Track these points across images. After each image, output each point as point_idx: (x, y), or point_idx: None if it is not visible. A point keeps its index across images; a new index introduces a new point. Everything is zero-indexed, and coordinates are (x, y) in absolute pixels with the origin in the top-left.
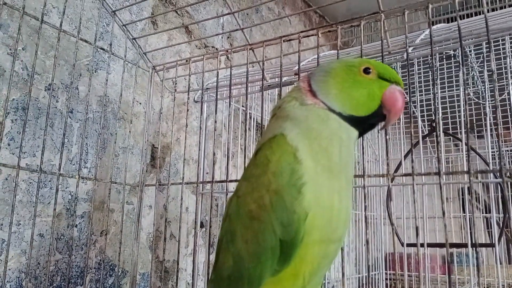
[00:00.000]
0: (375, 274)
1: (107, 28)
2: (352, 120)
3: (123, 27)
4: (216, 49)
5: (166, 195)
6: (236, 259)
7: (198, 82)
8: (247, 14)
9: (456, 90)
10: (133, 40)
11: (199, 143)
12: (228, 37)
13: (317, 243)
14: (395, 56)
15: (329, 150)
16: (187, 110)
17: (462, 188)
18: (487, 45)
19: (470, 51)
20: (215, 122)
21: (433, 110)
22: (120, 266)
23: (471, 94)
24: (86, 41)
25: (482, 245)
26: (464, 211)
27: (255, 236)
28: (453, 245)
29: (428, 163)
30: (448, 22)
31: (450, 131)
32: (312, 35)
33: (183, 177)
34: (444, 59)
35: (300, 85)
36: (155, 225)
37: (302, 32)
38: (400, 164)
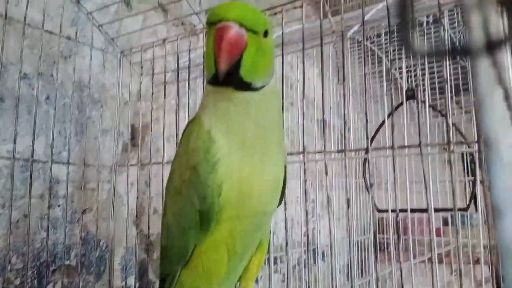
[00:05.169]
0: (366, 238)
1: (78, 15)
2: (222, 83)
3: (89, 14)
4: (194, 26)
5: (147, 173)
6: (167, 230)
7: (176, 62)
8: None
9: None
10: (100, 27)
11: (176, 122)
12: (206, 13)
13: (235, 213)
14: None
15: (236, 128)
16: (152, 94)
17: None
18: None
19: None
20: (176, 104)
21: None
22: (105, 241)
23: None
24: (51, 32)
25: (440, 209)
26: (468, 175)
27: (178, 209)
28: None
29: (412, 131)
30: None
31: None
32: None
33: (150, 158)
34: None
35: None
36: (138, 200)
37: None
38: (376, 133)
